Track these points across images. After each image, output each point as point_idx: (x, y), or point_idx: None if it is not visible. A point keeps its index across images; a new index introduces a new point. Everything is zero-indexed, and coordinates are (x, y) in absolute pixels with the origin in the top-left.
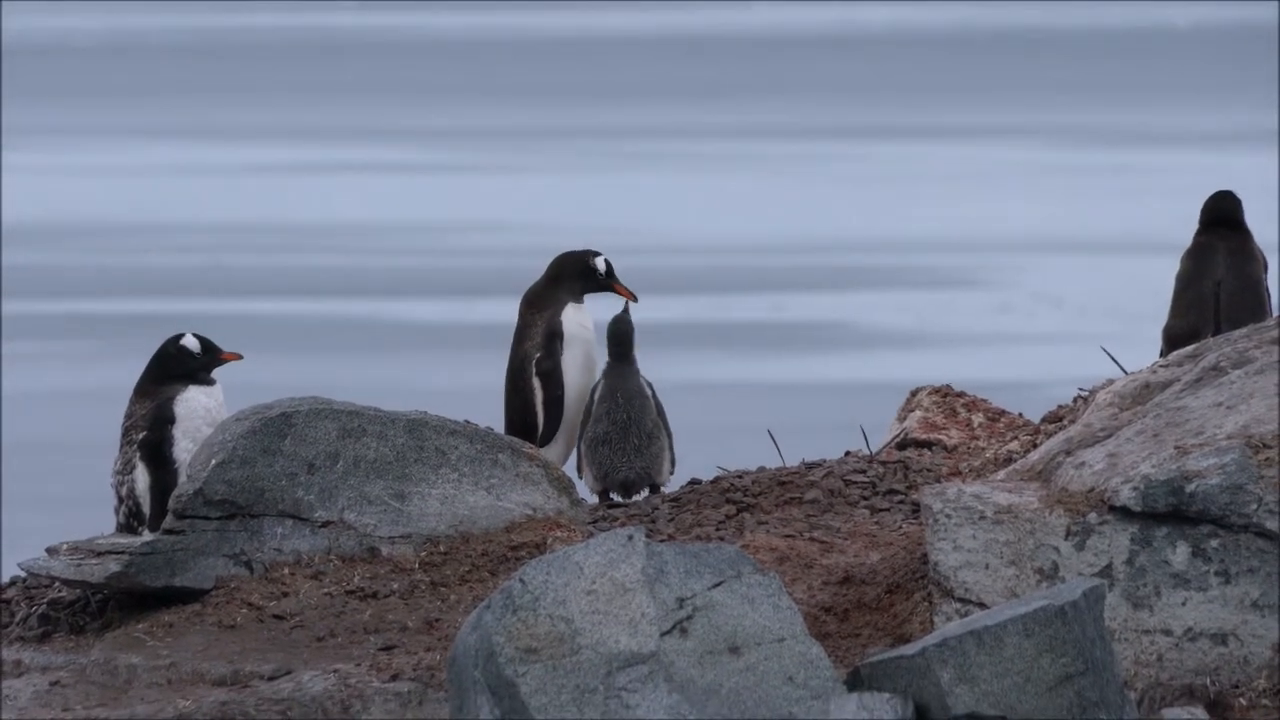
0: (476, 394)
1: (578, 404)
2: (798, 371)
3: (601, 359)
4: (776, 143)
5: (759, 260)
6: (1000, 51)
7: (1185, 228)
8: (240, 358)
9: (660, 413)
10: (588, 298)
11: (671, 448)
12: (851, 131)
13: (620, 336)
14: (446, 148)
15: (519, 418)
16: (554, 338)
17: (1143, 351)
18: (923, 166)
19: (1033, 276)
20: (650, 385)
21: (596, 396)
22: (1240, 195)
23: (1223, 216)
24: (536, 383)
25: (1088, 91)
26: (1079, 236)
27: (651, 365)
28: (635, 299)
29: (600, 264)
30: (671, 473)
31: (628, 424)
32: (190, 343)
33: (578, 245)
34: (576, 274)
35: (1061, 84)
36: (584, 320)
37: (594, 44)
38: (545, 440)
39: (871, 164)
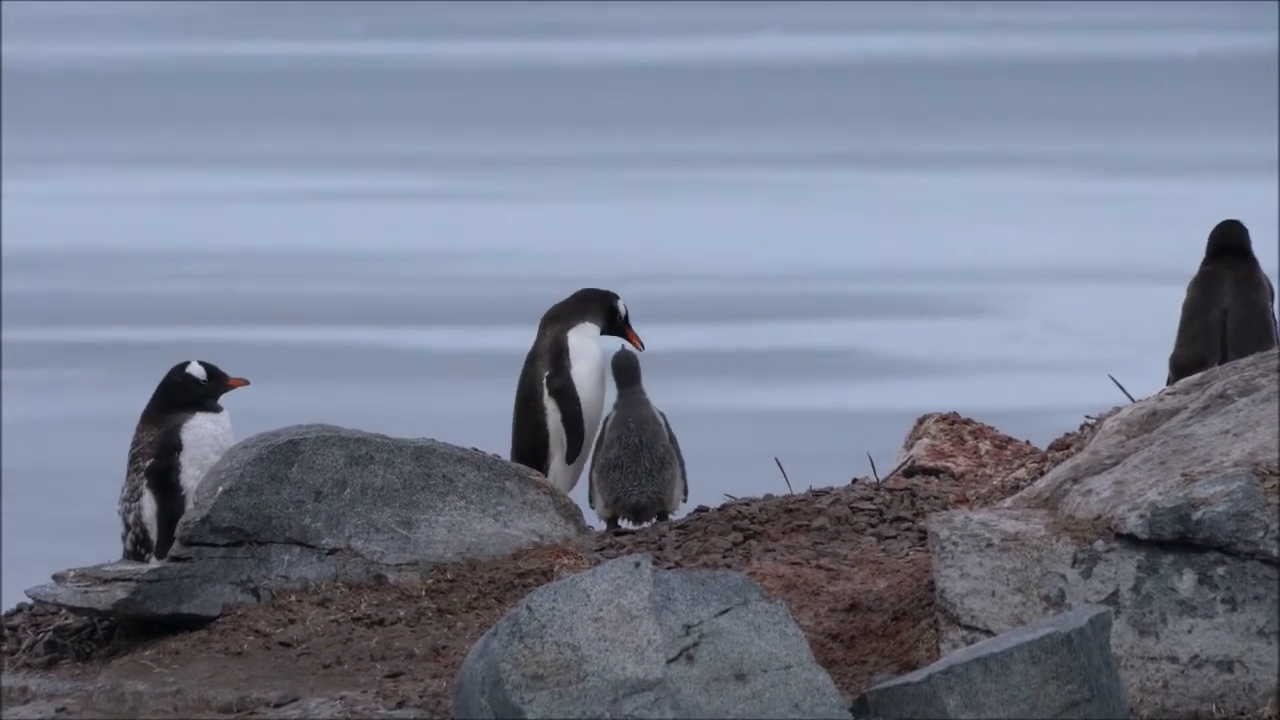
0: (484, 422)
1: (588, 422)
2: (806, 399)
3: (610, 381)
4: (786, 171)
5: (768, 288)
6: (1008, 81)
7: (1193, 256)
8: (247, 383)
9: (673, 441)
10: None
11: (684, 476)
12: (861, 160)
13: (624, 364)
14: (454, 176)
15: (529, 440)
16: (561, 355)
17: (1151, 379)
18: (932, 195)
19: (1041, 305)
20: (663, 415)
21: (609, 424)
22: (1248, 224)
23: (1229, 245)
24: (551, 403)
25: (1095, 120)
26: (1087, 265)
27: (659, 393)
28: (642, 348)
29: (621, 307)
30: (684, 501)
31: (639, 449)
32: (195, 370)
33: (586, 274)
34: (598, 310)
35: (1069, 113)
36: (591, 337)
37: (603, 73)
38: (571, 457)
39: (881, 192)
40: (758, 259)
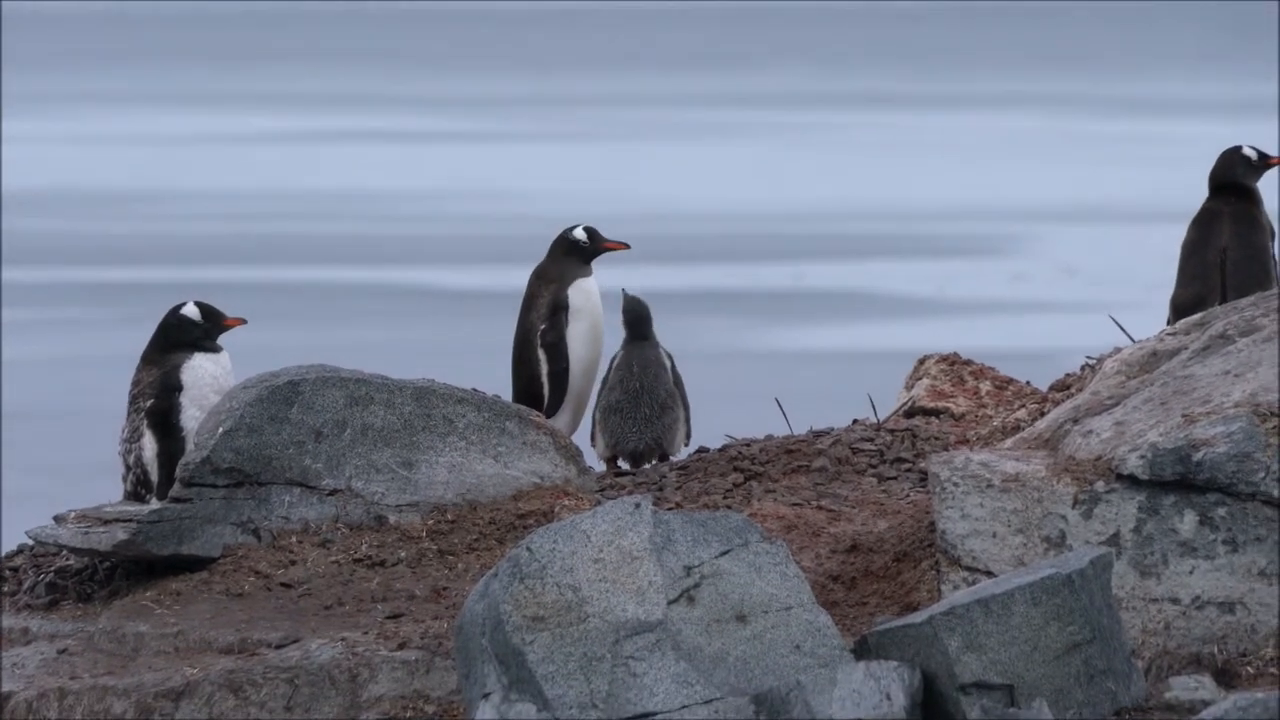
0: (484, 362)
1: (583, 376)
2: (808, 339)
3: (609, 332)
4: (794, 112)
5: (777, 228)
6: (1019, 21)
7: (1199, 196)
8: (244, 322)
9: (678, 384)
10: (596, 267)
11: (688, 420)
12: (869, 100)
13: (635, 318)
14: (463, 116)
15: (525, 389)
16: (559, 310)
17: (1155, 320)
18: (941, 135)
19: (1047, 245)
20: (670, 357)
21: (614, 365)
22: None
23: (1228, 181)
24: (541, 354)
25: (1104, 61)
26: (1094, 205)
27: (666, 333)
28: (628, 246)
29: (580, 234)
30: (686, 444)
31: (639, 393)
32: (190, 311)
33: (594, 213)
34: (566, 251)
35: (1079, 53)
36: (591, 292)
37: (619, 14)
38: (550, 412)
39: (890, 132)
40: (769, 200)
